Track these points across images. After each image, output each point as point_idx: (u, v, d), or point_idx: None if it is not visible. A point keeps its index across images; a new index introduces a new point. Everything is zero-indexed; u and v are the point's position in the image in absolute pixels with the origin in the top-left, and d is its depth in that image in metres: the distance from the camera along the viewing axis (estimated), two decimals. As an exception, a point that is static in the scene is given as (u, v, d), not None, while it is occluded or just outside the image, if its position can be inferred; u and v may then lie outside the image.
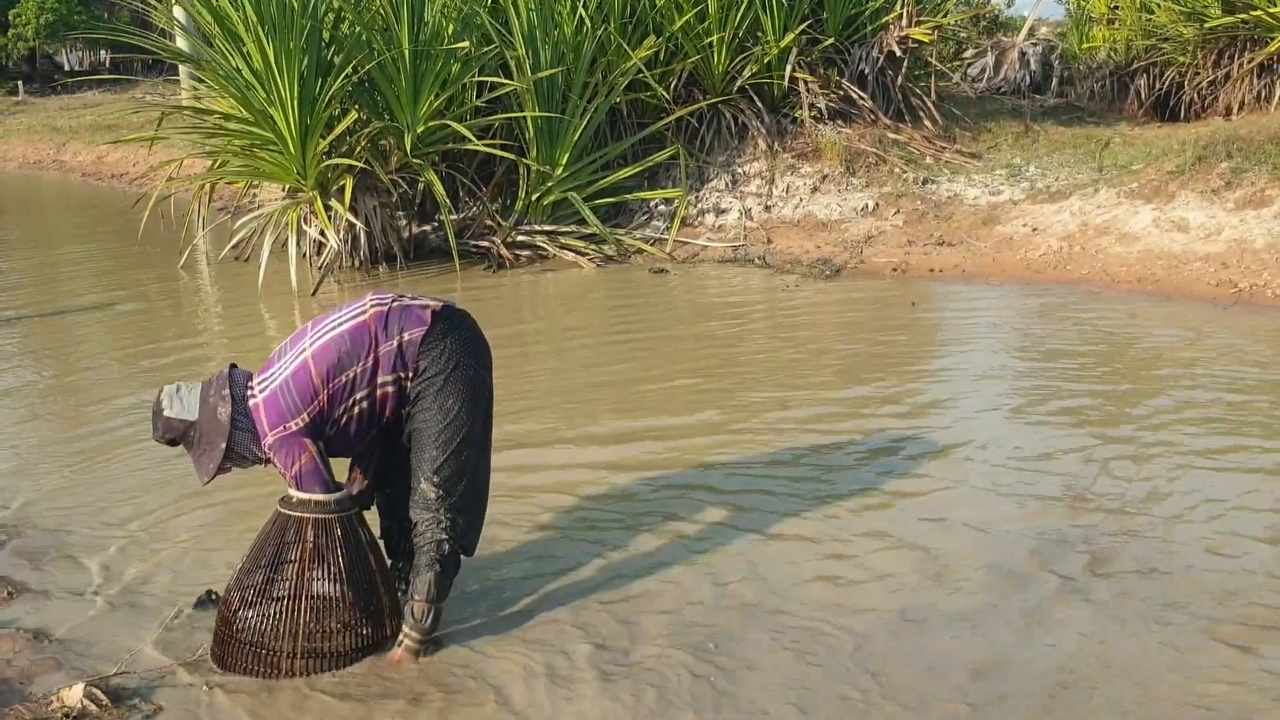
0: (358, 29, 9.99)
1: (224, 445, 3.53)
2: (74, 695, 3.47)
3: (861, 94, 11.41)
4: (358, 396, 3.58)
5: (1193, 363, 6.45)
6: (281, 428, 3.53)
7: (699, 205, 11.06)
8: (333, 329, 3.62)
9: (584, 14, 10.57)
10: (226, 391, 3.56)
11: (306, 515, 3.60)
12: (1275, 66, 12.31)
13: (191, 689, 3.55)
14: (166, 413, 3.56)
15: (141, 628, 3.95)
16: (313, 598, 3.60)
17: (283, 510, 3.64)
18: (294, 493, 3.60)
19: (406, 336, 3.58)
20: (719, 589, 4.06)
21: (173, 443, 3.62)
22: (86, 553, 4.59)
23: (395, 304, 3.65)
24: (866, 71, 11.53)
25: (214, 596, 4.06)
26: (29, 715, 3.41)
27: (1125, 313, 7.68)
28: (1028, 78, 14.52)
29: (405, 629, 3.64)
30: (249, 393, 3.59)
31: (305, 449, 3.54)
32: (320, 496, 3.58)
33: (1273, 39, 12.00)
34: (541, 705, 3.41)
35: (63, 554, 4.59)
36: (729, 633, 3.75)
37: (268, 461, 3.64)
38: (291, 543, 3.61)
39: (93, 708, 3.43)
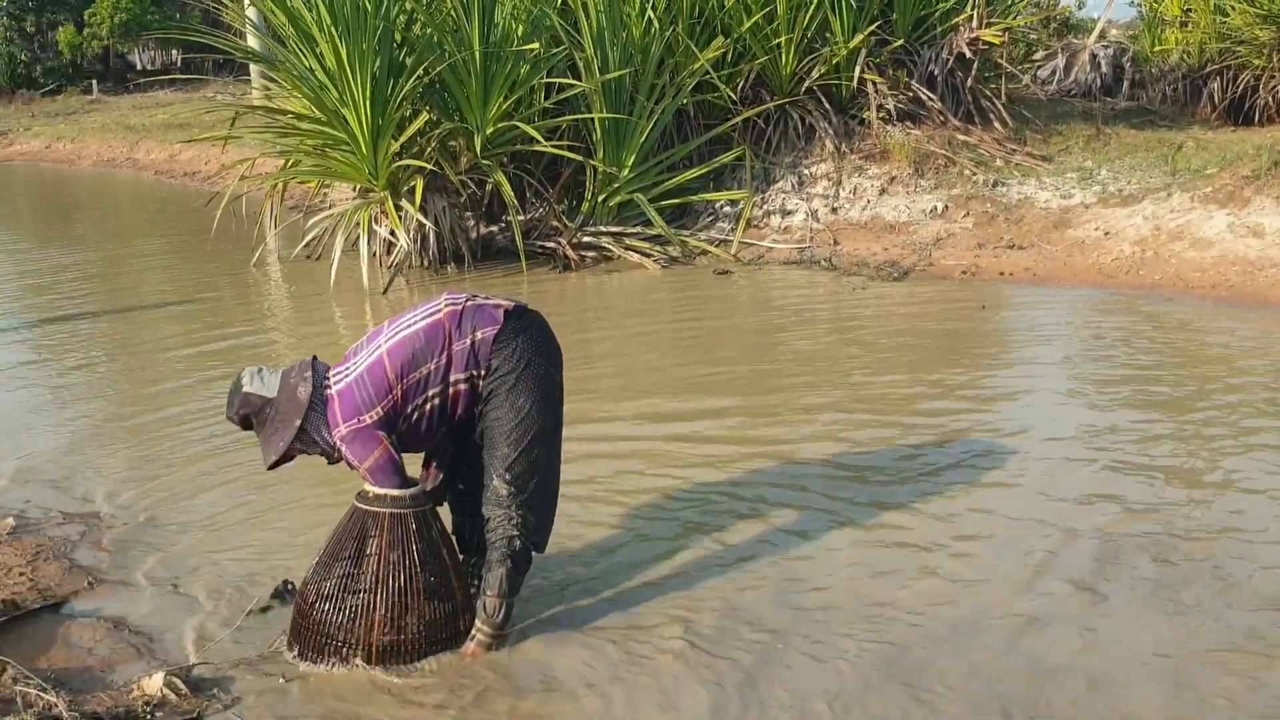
0: (429, 30, 10.08)
1: (298, 423, 3.60)
2: (154, 684, 3.53)
3: (931, 95, 11.34)
4: (430, 393, 3.63)
5: (1266, 369, 6.34)
6: (356, 420, 3.58)
7: (765, 207, 11.03)
8: (408, 327, 3.68)
9: (652, 15, 10.59)
10: (309, 374, 3.64)
11: (383, 510, 3.65)
12: (1354, 70, 12.10)
13: (269, 680, 3.61)
14: (246, 388, 3.65)
15: (220, 618, 4.02)
16: (388, 592, 3.65)
17: (359, 505, 3.69)
18: (370, 488, 3.65)
19: (479, 335, 3.62)
20: (786, 585, 4.06)
21: (245, 420, 3.69)
22: (166, 543, 4.68)
23: (469, 303, 3.70)
24: (936, 73, 11.46)
25: (290, 587, 4.13)
26: (110, 703, 3.49)
27: (1198, 319, 7.58)
28: (1098, 80, 14.35)
29: (478, 624, 3.68)
30: (326, 383, 3.66)
31: (379, 442, 3.59)
32: (396, 492, 3.63)
33: (1352, 42, 11.79)
34: (611, 702, 3.43)
35: (142, 544, 4.68)
36: (799, 631, 3.75)
37: (335, 456, 3.70)
38: (369, 537, 3.67)
39: (172, 696, 3.50)
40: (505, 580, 3.65)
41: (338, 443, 3.63)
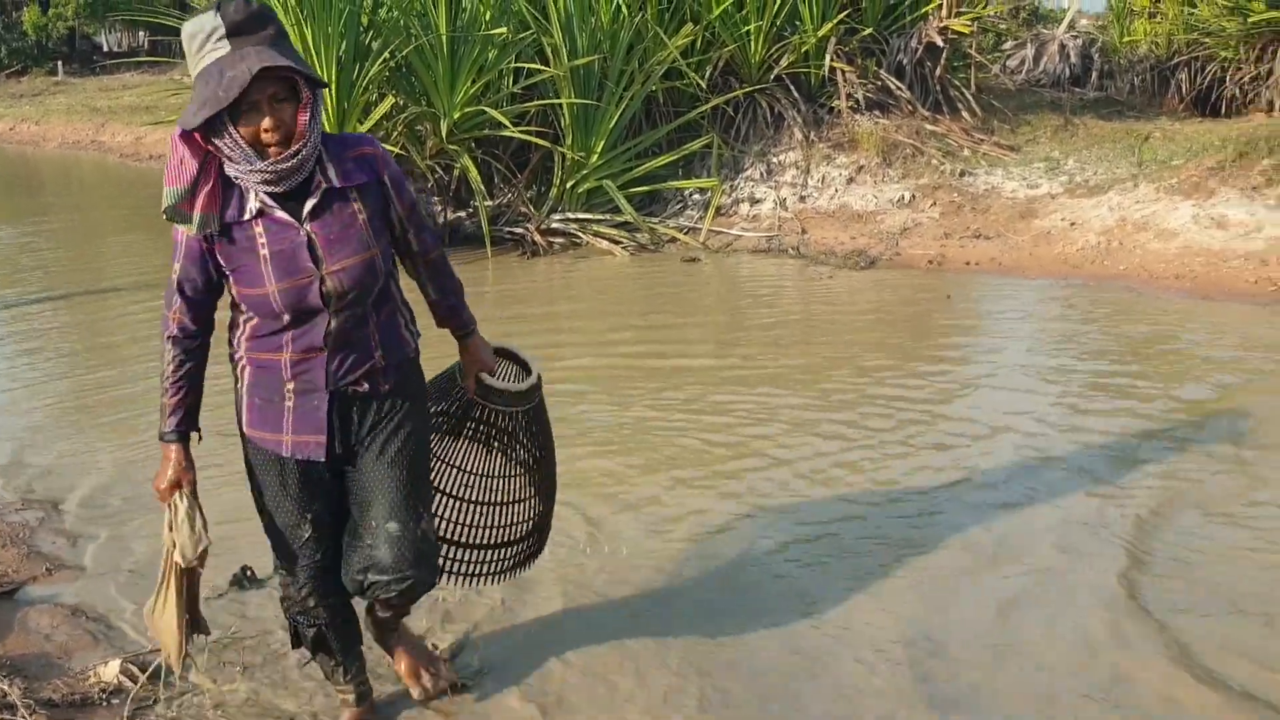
0: (396, 14, 10.02)
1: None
2: (110, 671, 3.52)
3: (899, 85, 11.36)
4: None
5: (1225, 360, 6.39)
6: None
7: (734, 195, 11.04)
8: None
9: (621, 1, 10.56)
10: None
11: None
12: (1319, 63, 12.17)
13: (227, 667, 3.59)
14: None
15: (178, 606, 3.99)
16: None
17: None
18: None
19: None
20: (730, 574, 4.07)
21: (241, 25, 2.50)
22: (125, 529, 4.66)
23: None
24: (905, 62, 11.47)
25: (249, 574, 4.10)
26: (66, 690, 3.47)
27: (1161, 310, 7.62)
28: (1067, 71, 14.40)
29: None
30: None
31: None
32: None
33: (1317, 35, 11.87)
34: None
35: (101, 530, 4.66)
36: (741, 614, 3.76)
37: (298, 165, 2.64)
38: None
39: (129, 684, 3.48)
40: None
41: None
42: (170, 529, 2.84)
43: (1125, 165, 10.16)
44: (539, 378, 3.31)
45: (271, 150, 2.57)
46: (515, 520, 3.49)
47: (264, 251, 2.68)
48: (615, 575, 4.11)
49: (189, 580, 2.93)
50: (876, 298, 8.35)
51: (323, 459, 2.88)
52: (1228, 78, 13.13)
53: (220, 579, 4.11)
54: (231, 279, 2.74)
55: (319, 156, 2.70)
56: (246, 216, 2.67)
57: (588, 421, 5.72)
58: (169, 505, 2.85)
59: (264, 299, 2.70)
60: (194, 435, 2.91)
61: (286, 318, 2.73)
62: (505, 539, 3.50)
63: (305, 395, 2.82)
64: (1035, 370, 6.41)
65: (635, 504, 4.72)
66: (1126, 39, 14.58)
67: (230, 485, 5.01)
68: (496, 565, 3.52)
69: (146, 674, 3.51)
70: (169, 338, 2.82)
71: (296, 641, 3.22)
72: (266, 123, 2.53)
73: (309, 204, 2.70)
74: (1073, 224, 9.39)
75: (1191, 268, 8.34)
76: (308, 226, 2.70)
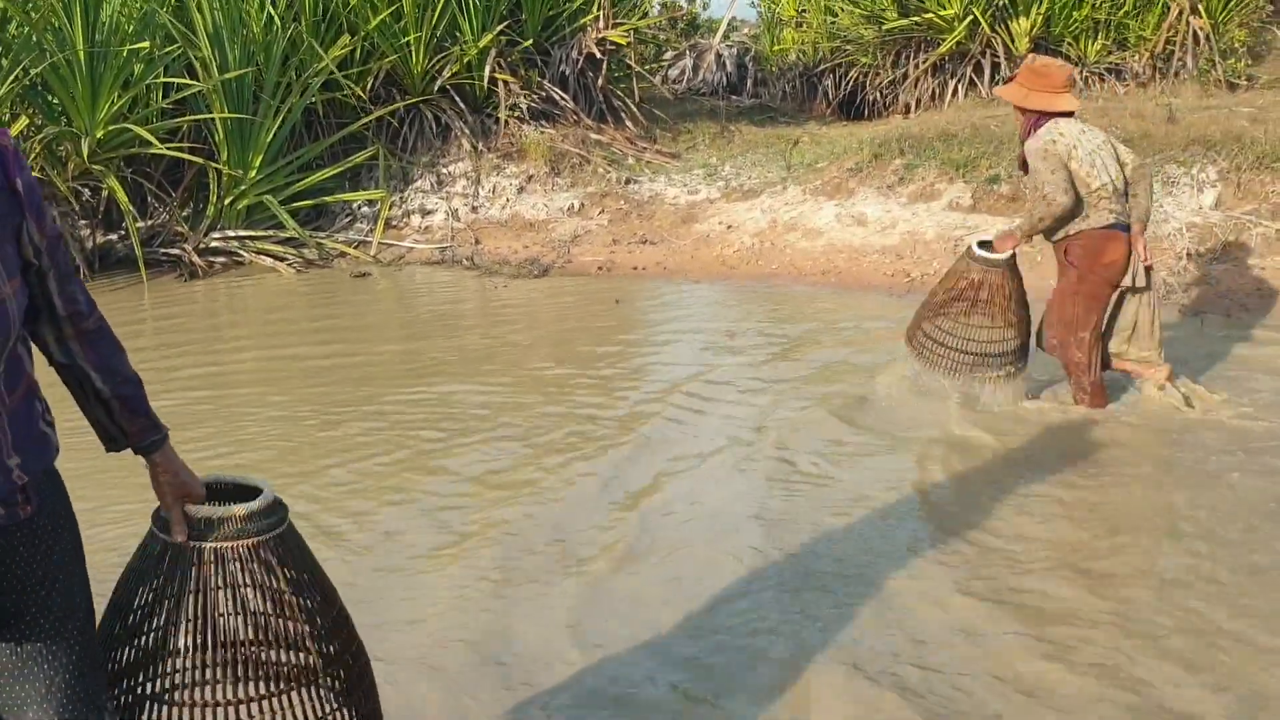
0: (26, 29, 9.36)
1: None
2: None
3: (563, 95, 11.55)
4: None
5: (858, 346, 6.84)
6: None
7: (404, 207, 10.92)
8: None
9: (273, 12, 10.26)
10: None
11: None
12: (947, 66, 13.16)
13: None
14: None
15: None
16: None
17: None
18: None
19: None
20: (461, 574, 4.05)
21: None
22: None
23: None
24: (567, 73, 11.67)
25: None
26: None
27: (807, 302, 8.09)
28: (724, 79, 15.06)
29: None
30: None
31: None
32: None
33: (944, 40, 12.83)
34: None
35: None
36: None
37: None
38: None
39: None
40: None
41: None
42: None
43: (776, 169, 10.68)
44: (274, 496, 2.27)
45: None
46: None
47: None
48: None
49: None
50: (550, 304, 8.47)
51: None
52: (868, 83, 14.04)
53: None
54: None
55: None
56: None
57: (266, 423, 5.54)
58: None
59: None
60: None
61: None
62: None
63: None
64: (691, 362, 6.70)
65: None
66: (777, 48, 15.35)
67: None
68: None
69: None
70: None
71: None
72: None
73: None
74: (729, 227, 9.80)
75: (836, 264, 8.87)
76: None
